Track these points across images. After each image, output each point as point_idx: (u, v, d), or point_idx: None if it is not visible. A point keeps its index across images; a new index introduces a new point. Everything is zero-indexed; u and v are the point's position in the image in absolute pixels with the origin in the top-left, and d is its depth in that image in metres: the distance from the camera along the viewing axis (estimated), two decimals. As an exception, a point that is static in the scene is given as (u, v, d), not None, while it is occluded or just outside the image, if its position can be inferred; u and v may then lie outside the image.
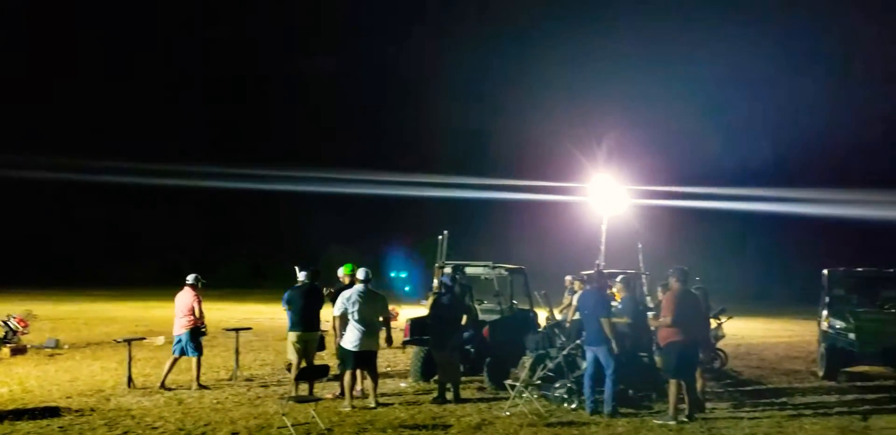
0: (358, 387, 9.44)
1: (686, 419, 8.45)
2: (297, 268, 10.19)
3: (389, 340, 9.39)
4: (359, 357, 8.89)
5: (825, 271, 12.97)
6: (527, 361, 9.73)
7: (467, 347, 10.23)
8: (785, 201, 39.73)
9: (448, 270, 10.83)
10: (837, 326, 12.08)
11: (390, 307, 10.00)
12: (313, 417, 7.84)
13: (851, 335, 11.69)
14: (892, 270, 12.95)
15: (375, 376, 9.16)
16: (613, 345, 8.71)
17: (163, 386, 9.91)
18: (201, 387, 10.00)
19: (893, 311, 11.99)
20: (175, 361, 10.08)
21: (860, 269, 13.08)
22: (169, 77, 68.34)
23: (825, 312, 12.60)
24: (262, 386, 10.52)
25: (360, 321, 8.83)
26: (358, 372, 9.24)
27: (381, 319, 9.14)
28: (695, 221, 46.05)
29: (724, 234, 50.61)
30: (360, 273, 9.14)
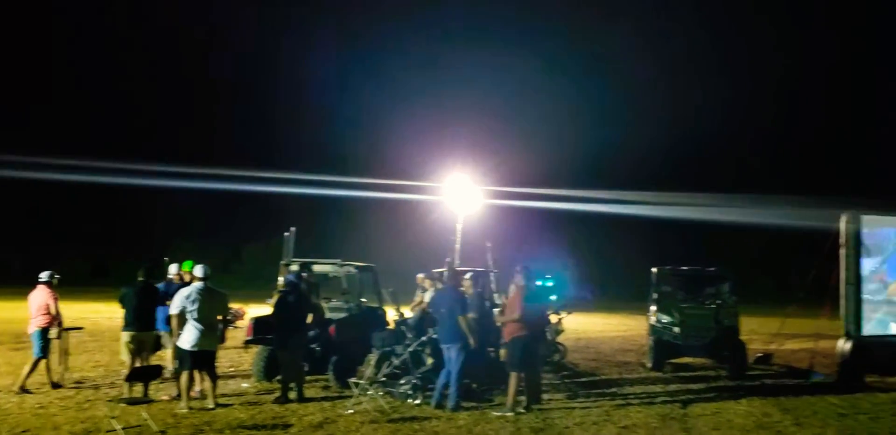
0: (196, 388, 9.14)
1: (524, 410, 8.80)
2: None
3: (222, 339, 9.17)
4: (197, 357, 8.60)
5: (654, 269, 13.84)
6: (372, 358, 9.76)
7: (312, 345, 10.13)
8: (626, 203, 41.98)
9: (294, 267, 10.67)
10: (664, 321, 12.94)
11: (237, 306, 9.74)
12: (146, 420, 7.52)
13: (676, 329, 12.59)
14: (712, 269, 14.01)
15: (214, 377, 8.90)
16: (471, 341, 8.92)
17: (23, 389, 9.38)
18: (23, 391, 9.35)
19: (714, 306, 12.95)
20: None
21: (685, 268, 14.04)
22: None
23: (653, 308, 13.44)
24: (94, 388, 9.97)
25: (199, 320, 8.55)
26: (196, 372, 8.95)
27: (219, 317, 8.90)
28: (547, 220, 47.93)
29: (573, 233, 52.85)
30: (198, 270, 8.85)
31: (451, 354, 8.97)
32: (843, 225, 13.48)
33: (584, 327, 21.52)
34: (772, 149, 62.31)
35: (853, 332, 13.12)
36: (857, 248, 13.32)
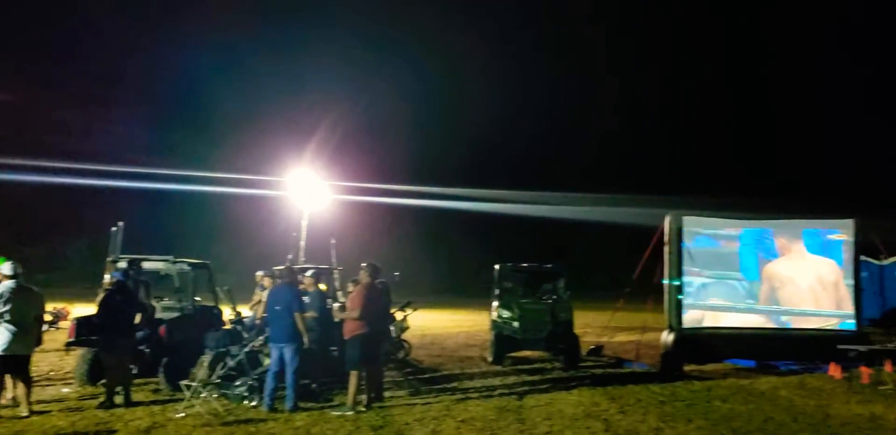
0: (9, 395, 8.46)
1: (364, 409, 8.74)
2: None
3: (38, 341, 8.53)
4: (7, 362, 7.93)
5: (496, 266, 14.21)
6: (206, 359, 9.37)
7: (141, 347, 9.60)
8: (477, 200, 42.91)
9: (122, 264, 10.06)
10: (504, 316, 13.31)
11: (61, 306, 9.05)
12: (-55, 434, 6.84)
13: (516, 324, 12.99)
14: (550, 265, 14.56)
15: (28, 382, 8.26)
16: (305, 340, 8.74)
17: None
18: None
19: (551, 301, 13.46)
20: None
21: (525, 264, 14.50)
22: None
23: (495, 303, 13.79)
24: None
25: (11, 322, 7.90)
26: (9, 378, 8.25)
27: (34, 318, 8.25)
28: (397, 217, 48.16)
29: (423, 230, 53.42)
30: (7, 268, 8.16)
31: (286, 354, 8.75)
32: (666, 225, 14.42)
33: (430, 324, 21.74)
34: (610, 150, 65.59)
35: (675, 324, 14.05)
36: (679, 246, 14.28)
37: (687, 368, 12.59)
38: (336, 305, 10.36)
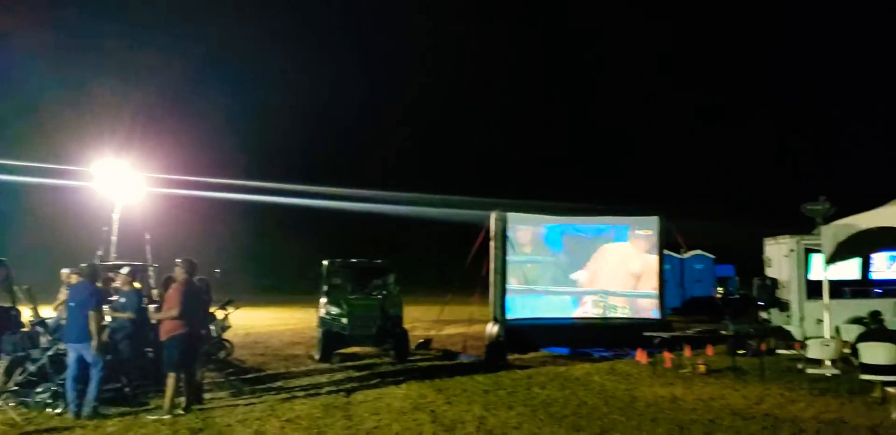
0: None
1: (182, 412, 8.32)
2: None
3: None
4: None
5: (324, 262, 14.02)
6: (1, 365, 8.53)
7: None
8: (303, 196, 42.12)
9: None
10: (333, 312, 13.16)
11: None
12: None
13: (344, 320, 12.88)
14: (379, 261, 14.58)
15: None
16: (94, 343, 8.11)
17: None
18: None
19: (381, 297, 13.47)
20: None
21: (354, 260, 14.42)
22: None
23: (323, 300, 13.59)
24: None
25: None
26: None
27: None
28: (218, 212, 46.28)
29: (246, 226, 51.77)
30: None
31: (86, 355, 8.13)
32: (492, 222, 14.91)
33: (253, 322, 21.12)
34: (436, 149, 66.90)
35: (499, 316, 14.57)
36: (503, 242, 14.80)
37: (510, 357, 13.04)
38: (152, 306, 9.76)
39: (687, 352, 12.99)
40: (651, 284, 15.62)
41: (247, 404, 8.99)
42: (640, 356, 12.87)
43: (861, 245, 10.56)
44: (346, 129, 65.17)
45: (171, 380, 8.38)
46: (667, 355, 12.47)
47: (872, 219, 9.21)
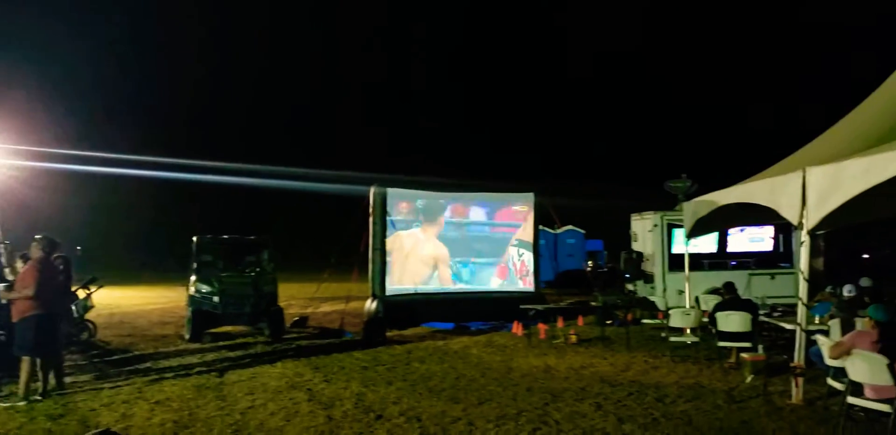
0: None
1: (40, 398, 7.84)
2: None
3: None
4: None
5: (194, 238, 13.48)
6: None
7: None
8: (174, 169, 40.21)
9: None
10: (203, 290, 12.69)
11: None
12: None
13: (216, 298, 12.48)
14: (253, 237, 14.19)
15: None
16: None
17: None
18: None
19: (254, 274, 13.12)
20: None
21: (225, 236, 13.96)
22: None
23: (193, 278, 13.08)
24: None
25: None
26: None
27: None
28: (79, 185, 43.62)
29: (112, 200, 49.16)
30: None
31: None
32: (371, 196, 14.79)
33: (119, 302, 20.18)
34: (312, 122, 65.71)
35: (378, 292, 14.54)
36: (383, 217, 14.73)
37: (389, 333, 13.06)
38: (1, 285, 9.06)
39: (560, 323, 13.46)
40: (526, 258, 16.04)
41: (112, 387, 8.58)
42: (517, 328, 13.22)
43: (719, 220, 11.18)
44: (223, 101, 62.77)
45: (25, 364, 7.89)
46: (541, 327, 12.86)
47: (730, 195, 9.74)
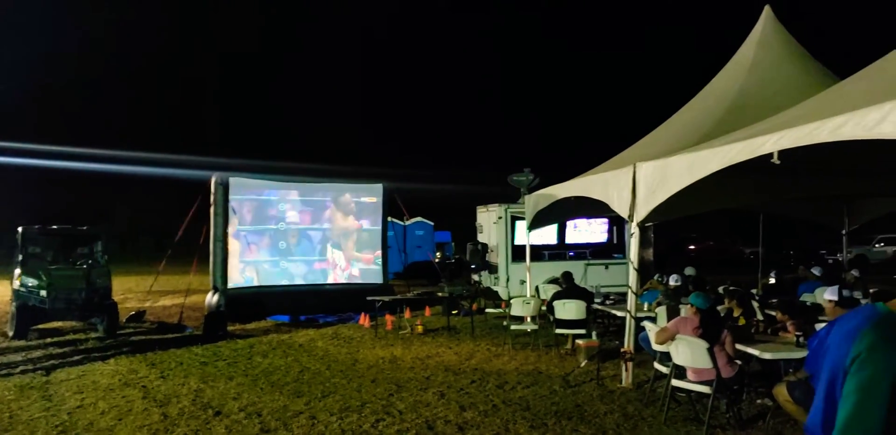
0: None
1: None
2: None
3: None
4: None
5: (20, 229, 12.53)
6: None
7: None
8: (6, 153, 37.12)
9: None
10: (30, 284, 11.86)
11: None
12: None
13: (43, 292, 11.68)
14: (85, 228, 13.34)
15: None
16: None
17: None
18: None
19: (85, 267, 12.34)
20: None
21: (55, 226, 13.05)
22: None
23: (18, 271, 12.20)
24: None
25: None
26: None
27: None
28: None
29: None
30: None
31: None
32: (213, 185, 14.30)
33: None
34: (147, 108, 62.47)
35: (220, 285, 14.10)
36: (225, 206, 14.28)
37: (232, 327, 12.71)
38: None
39: (407, 314, 13.59)
40: (372, 251, 16.07)
41: (-83, 392, 7.83)
42: (364, 320, 13.23)
43: (558, 213, 11.69)
44: (58, 82, 58.16)
45: None
46: (388, 318, 12.94)
47: (568, 189, 10.19)
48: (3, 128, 42.93)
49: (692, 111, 9.93)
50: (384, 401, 7.36)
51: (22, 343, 11.28)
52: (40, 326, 12.17)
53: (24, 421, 6.64)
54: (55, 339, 11.72)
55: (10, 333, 11.81)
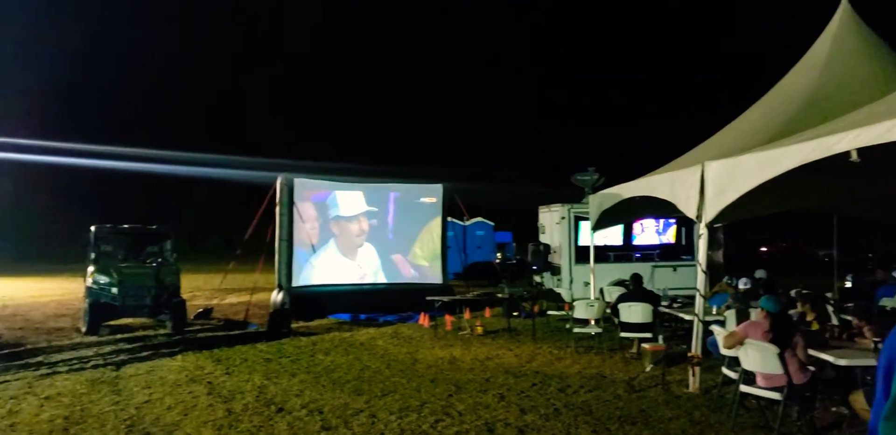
0: None
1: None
2: None
3: None
4: None
5: (92, 228, 12.94)
6: None
7: None
8: (76, 155, 38.42)
9: None
10: (102, 282, 12.23)
11: None
12: None
13: (114, 290, 12.02)
14: (155, 227, 13.69)
15: None
16: None
17: None
18: None
19: (155, 265, 12.67)
20: None
21: (126, 225, 13.43)
22: None
23: (91, 269, 12.59)
24: None
25: None
26: None
27: None
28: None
29: (4, 188, 46.58)
30: None
31: None
32: (278, 186, 14.51)
33: (12, 293, 19.21)
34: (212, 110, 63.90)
35: (284, 284, 14.29)
36: (290, 207, 14.47)
37: (295, 325, 12.87)
38: None
39: (467, 314, 13.53)
40: (437, 249, 16.07)
41: (0, 382, 8.14)
42: (423, 320, 13.23)
43: (623, 213, 11.46)
44: (124, 85, 60.16)
45: None
46: (448, 318, 12.91)
47: (633, 189, 9.98)
48: (80, 129, 44.49)
49: (762, 110, 9.59)
50: (443, 401, 7.31)
51: (94, 339, 11.62)
52: (111, 323, 12.53)
53: (95, 414, 6.82)
54: (125, 335, 12.04)
55: (83, 329, 12.19)
